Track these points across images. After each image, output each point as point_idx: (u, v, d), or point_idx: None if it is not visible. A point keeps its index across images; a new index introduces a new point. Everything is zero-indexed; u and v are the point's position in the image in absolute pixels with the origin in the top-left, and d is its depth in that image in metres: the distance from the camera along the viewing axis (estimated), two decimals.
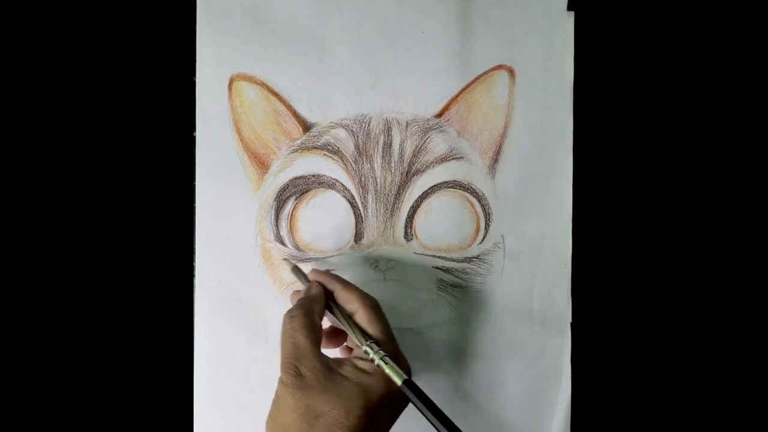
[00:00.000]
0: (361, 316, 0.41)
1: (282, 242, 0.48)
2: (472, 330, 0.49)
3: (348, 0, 0.48)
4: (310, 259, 0.48)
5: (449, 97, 0.49)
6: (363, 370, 0.38)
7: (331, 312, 0.42)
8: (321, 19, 0.48)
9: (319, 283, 0.43)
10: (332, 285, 0.43)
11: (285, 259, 0.48)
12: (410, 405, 0.39)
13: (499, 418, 0.49)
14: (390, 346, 0.40)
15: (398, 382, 0.38)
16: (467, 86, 0.49)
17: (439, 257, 0.49)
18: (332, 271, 0.47)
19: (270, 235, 0.48)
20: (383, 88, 0.48)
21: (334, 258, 0.48)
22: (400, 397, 0.39)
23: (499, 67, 0.49)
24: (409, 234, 0.49)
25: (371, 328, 0.40)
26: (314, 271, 0.44)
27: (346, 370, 0.38)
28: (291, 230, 0.48)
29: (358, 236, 0.48)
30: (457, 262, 0.49)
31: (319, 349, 0.39)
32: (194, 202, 0.48)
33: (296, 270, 0.45)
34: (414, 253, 0.49)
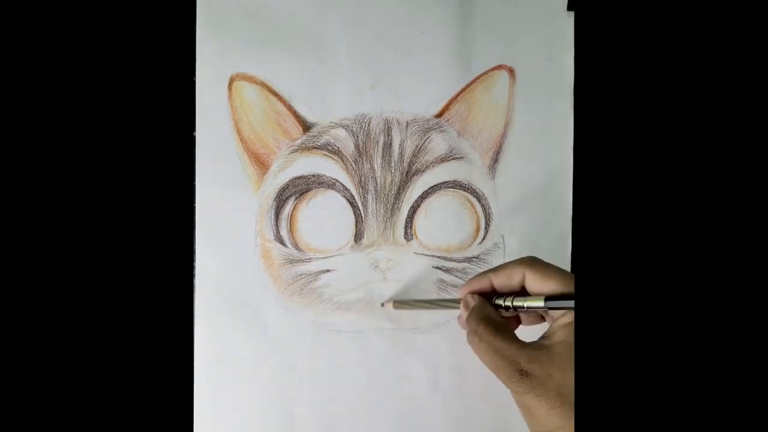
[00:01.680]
0: (533, 278, 0.38)
1: (282, 242, 0.48)
2: None
3: (348, 0, 0.48)
4: (310, 259, 0.48)
5: (449, 97, 0.49)
6: (570, 323, 0.36)
7: (515, 308, 0.40)
8: (321, 19, 0.48)
9: (473, 292, 0.41)
10: (485, 281, 0.41)
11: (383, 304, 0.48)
12: None
13: (499, 417, 0.49)
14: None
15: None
16: (467, 86, 0.49)
17: (439, 257, 0.49)
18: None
19: (270, 234, 0.48)
20: (383, 88, 0.48)
21: (334, 258, 0.48)
22: None
23: (499, 67, 0.49)
24: (409, 234, 0.49)
25: (551, 282, 0.38)
26: (462, 287, 0.42)
27: (559, 336, 0.36)
28: (291, 230, 0.48)
29: (358, 236, 0.48)
30: (457, 262, 0.49)
31: (521, 341, 0.37)
32: (194, 202, 0.48)
33: (438, 301, 0.45)
34: (414, 253, 0.49)
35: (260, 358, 0.48)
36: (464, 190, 0.49)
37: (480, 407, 0.49)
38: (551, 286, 0.38)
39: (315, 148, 0.48)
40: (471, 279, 0.42)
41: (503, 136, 0.49)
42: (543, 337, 0.37)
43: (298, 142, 0.48)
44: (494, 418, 0.49)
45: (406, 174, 0.49)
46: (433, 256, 0.49)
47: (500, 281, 0.40)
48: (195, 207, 0.48)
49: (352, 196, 0.48)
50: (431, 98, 0.49)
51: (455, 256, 0.49)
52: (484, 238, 0.49)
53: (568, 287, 0.37)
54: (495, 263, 0.49)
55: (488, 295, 0.41)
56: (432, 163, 0.49)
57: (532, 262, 0.39)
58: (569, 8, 0.49)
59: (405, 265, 0.49)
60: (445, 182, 0.49)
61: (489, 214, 0.49)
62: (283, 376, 0.48)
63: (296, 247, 0.48)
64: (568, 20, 0.49)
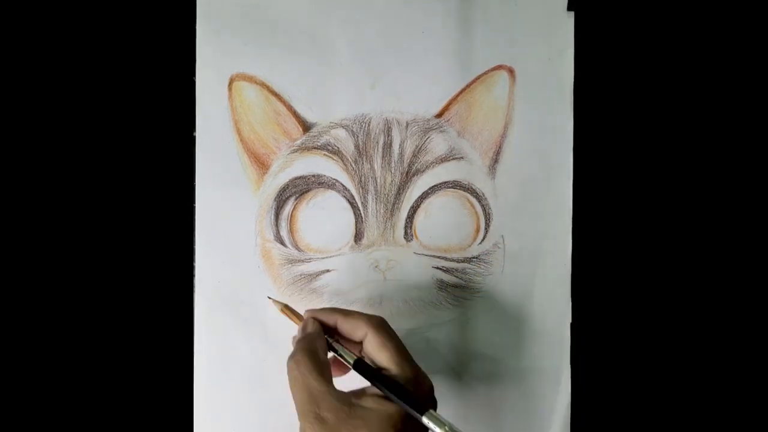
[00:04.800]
0: (371, 341, 0.39)
1: (282, 242, 0.48)
2: (472, 330, 0.49)
3: (348, 0, 0.48)
4: (310, 259, 0.48)
5: (449, 97, 0.49)
6: (384, 397, 0.37)
7: (334, 351, 0.41)
8: (321, 19, 0.48)
9: (316, 319, 0.42)
10: (332, 318, 0.41)
11: (269, 297, 0.46)
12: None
13: (498, 418, 0.49)
14: (406, 368, 0.38)
15: (418, 416, 0.36)
16: (467, 86, 0.49)
17: (439, 257, 0.49)
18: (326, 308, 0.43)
19: (270, 235, 0.48)
20: (383, 88, 0.48)
21: (334, 258, 0.48)
22: None
23: (499, 67, 0.49)
24: (409, 234, 0.49)
25: (383, 354, 0.39)
26: (308, 310, 0.43)
27: (368, 402, 0.37)
28: (291, 230, 0.48)
29: (358, 236, 0.48)
30: (457, 262, 0.49)
31: (333, 387, 0.37)
32: (194, 202, 0.48)
33: (287, 309, 0.44)
34: (414, 253, 0.49)
35: (260, 357, 0.48)
36: (464, 190, 0.49)
37: (479, 407, 0.49)
38: (383, 356, 0.39)
39: (315, 148, 0.48)
40: (323, 308, 0.43)
41: (503, 136, 0.49)
42: (355, 394, 0.38)
43: (298, 142, 0.48)
44: (493, 419, 0.49)
45: (406, 174, 0.49)
46: (433, 256, 0.49)
47: (346, 327, 0.41)
48: (195, 207, 0.48)
49: (352, 196, 0.48)
50: (431, 98, 0.49)
51: (455, 256, 0.49)
52: (484, 238, 0.49)
53: (396, 367, 0.38)
54: (495, 263, 0.49)
55: (328, 331, 0.42)
56: (432, 163, 0.49)
57: (378, 326, 0.40)
58: (569, 8, 0.49)
59: (405, 265, 0.49)
60: (445, 182, 0.49)
61: (489, 214, 0.49)
62: (283, 376, 0.48)
63: (296, 247, 0.48)
64: (568, 20, 0.49)
